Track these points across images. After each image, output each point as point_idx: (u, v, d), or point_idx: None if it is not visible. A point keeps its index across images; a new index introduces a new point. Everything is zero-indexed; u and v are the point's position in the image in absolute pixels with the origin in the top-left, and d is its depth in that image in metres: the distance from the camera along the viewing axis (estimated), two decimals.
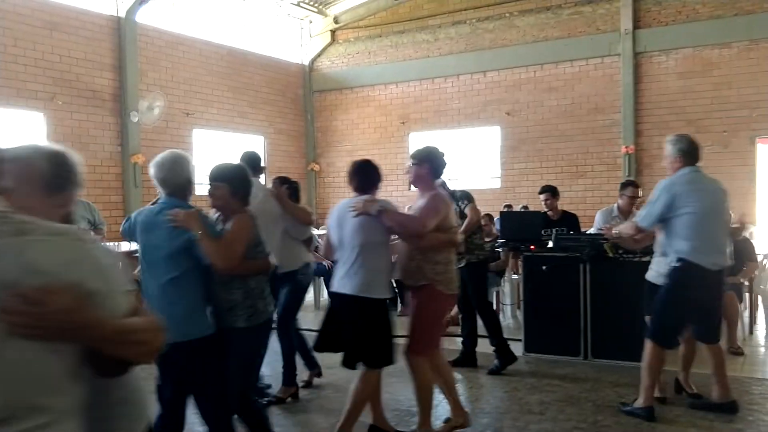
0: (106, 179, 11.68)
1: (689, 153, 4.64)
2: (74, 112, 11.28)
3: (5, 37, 10.27)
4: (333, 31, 16.19)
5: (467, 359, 6.29)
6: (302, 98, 16.39)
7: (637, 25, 13.05)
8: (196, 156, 13.47)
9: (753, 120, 12.22)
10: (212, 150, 13.83)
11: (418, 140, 15.55)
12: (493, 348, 6.14)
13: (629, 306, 5.83)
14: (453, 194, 6.21)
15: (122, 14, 11.90)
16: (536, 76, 14.06)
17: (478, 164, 14.85)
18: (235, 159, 4.64)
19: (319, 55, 16.42)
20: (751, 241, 8.14)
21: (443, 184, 6.39)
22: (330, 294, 4.23)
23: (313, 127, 16.52)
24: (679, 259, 4.55)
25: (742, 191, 12.11)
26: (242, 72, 14.65)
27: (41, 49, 10.80)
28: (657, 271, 4.85)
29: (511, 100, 14.29)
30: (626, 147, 13.03)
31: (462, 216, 5.88)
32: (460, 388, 5.76)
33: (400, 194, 15.41)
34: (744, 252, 7.24)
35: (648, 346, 4.73)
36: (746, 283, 7.39)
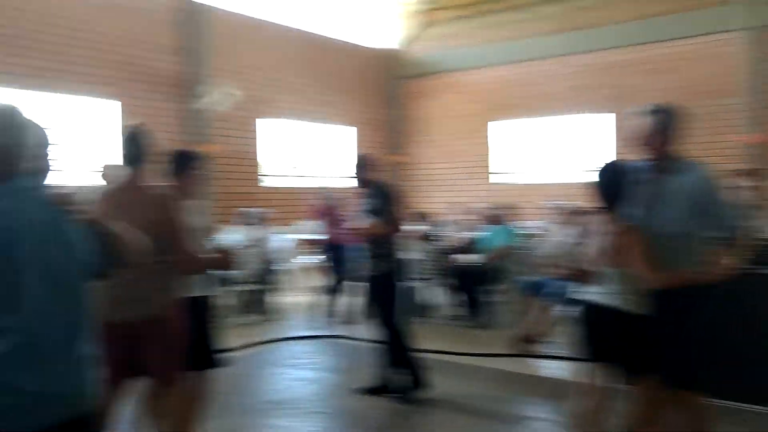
0: None
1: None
2: (148, 99, 10.97)
3: (72, 29, 10.12)
4: (423, 12, 15.12)
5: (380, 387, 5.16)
6: (390, 85, 15.53)
7: None
8: (263, 146, 13.01)
9: None
10: (287, 140, 13.42)
11: (503, 128, 14.27)
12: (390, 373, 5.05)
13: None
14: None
15: None
16: (643, 56, 12.27)
17: (583, 155, 13.28)
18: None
19: (409, 39, 15.43)
20: None
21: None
22: None
23: (401, 116, 15.60)
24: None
25: None
26: (324, 58, 13.97)
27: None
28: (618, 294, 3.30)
29: (624, 84, 12.47)
30: (748, 136, 11.06)
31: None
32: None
33: (480, 187, 14.24)
34: None
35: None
36: None
